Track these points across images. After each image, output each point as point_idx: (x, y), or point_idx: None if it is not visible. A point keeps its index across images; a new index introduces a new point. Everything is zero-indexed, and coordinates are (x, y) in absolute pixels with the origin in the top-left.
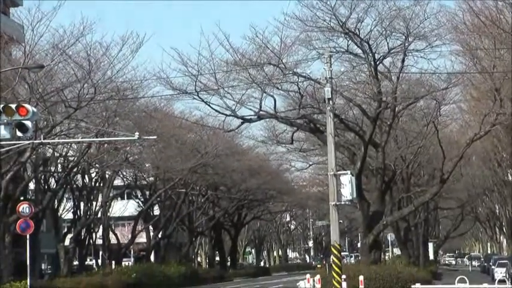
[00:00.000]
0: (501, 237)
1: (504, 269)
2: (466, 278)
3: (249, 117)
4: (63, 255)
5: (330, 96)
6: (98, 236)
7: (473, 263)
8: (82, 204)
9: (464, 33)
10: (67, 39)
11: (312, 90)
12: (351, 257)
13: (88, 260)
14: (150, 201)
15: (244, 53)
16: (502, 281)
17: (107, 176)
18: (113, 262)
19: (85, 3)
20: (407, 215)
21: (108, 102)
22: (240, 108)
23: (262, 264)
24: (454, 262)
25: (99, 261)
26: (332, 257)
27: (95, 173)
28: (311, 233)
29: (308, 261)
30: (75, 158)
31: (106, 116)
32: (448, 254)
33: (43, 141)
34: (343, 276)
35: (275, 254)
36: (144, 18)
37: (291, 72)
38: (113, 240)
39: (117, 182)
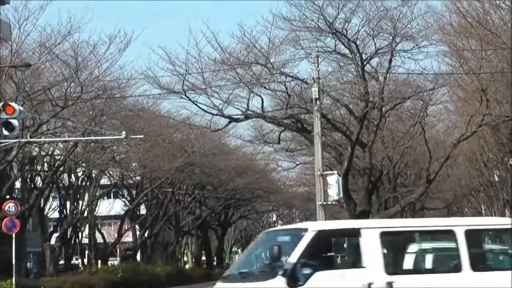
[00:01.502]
0: None
1: None
2: None
3: (236, 116)
4: (49, 254)
5: (317, 96)
6: (84, 235)
7: None
8: (68, 203)
9: (451, 34)
10: (54, 37)
11: (299, 90)
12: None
13: (74, 259)
14: (136, 200)
15: (232, 52)
16: None
17: (93, 175)
18: (99, 261)
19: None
20: (393, 215)
21: (95, 101)
22: (227, 107)
23: None
24: None
25: (85, 260)
26: None
27: (81, 172)
28: None
29: None
30: (62, 157)
31: (93, 115)
32: None
33: (29, 139)
34: None
35: None
36: (131, 16)
37: (278, 71)
38: (99, 240)
39: (104, 181)
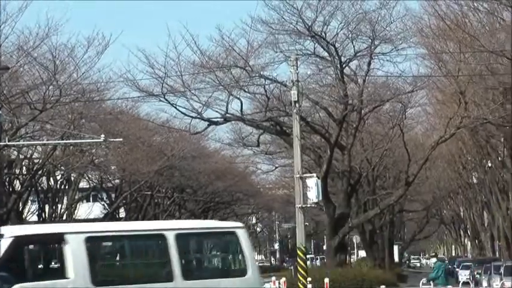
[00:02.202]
0: (465, 240)
1: (468, 271)
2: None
3: (216, 119)
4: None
5: (296, 99)
6: None
7: None
8: (47, 206)
9: (430, 37)
10: (32, 40)
11: (278, 93)
12: (317, 259)
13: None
14: (115, 203)
15: (211, 55)
16: (466, 283)
17: (72, 178)
18: None
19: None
20: (372, 217)
21: (74, 104)
22: (207, 110)
23: None
24: (418, 264)
25: None
26: (298, 259)
27: (60, 176)
28: (277, 235)
29: (274, 263)
30: (40, 160)
31: (72, 118)
32: (412, 257)
33: (8, 143)
34: (309, 279)
35: None
36: (110, 19)
37: (257, 74)
38: None
39: (83, 184)
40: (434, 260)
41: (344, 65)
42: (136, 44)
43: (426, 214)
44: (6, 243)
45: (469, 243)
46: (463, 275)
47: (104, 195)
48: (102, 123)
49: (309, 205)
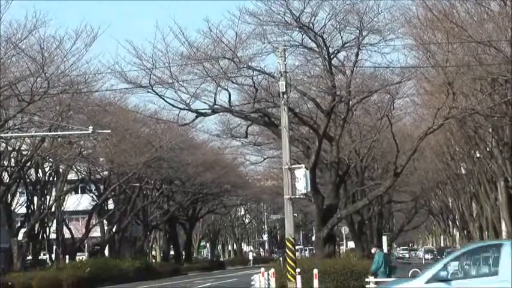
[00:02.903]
0: (454, 230)
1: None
2: (419, 270)
3: (204, 111)
4: (17, 250)
5: (284, 90)
6: (51, 230)
7: (427, 255)
8: (36, 198)
9: (418, 27)
10: (20, 32)
11: (266, 84)
12: (306, 250)
13: (42, 254)
14: (104, 195)
15: (199, 46)
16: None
17: (60, 170)
18: (67, 257)
19: None
20: (361, 208)
21: (62, 96)
22: (195, 101)
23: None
24: (407, 255)
25: (53, 255)
26: (286, 250)
27: (48, 167)
28: (266, 226)
29: (262, 254)
30: (29, 152)
31: (60, 110)
32: (401, 247)
33: None
34: (298, 270)
35: (230, 247)
36: (98, 10)
37: (245, 66)
38: (67, 235)
39: (71, 176)
40: (373, 250)
41: (332, 56)
42: (125, 37)
43: (415, 205)
44: None
45: (458, 233)
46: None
47: (93, 187)
48: (90, 114)
49: (297, 196)
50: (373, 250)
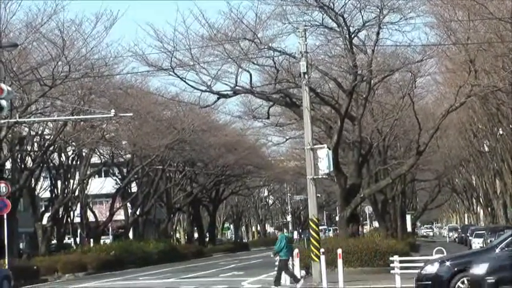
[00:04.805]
0: (478, 208)
1: (481, 239)
2: (443, 249)
3: (225, 92)
4: (41, 234)
5: (306, 71)
6: (75, 214)
7: (451, 234)
8: (59, 182)
9: (438, 5)
10: (40, 17)
11: (287, 65)
12: (329, 230)
13: (66, 238)
14: (127, 178)
15: (219, 28)
16: None
17: (83, 153)
18: (91, 240)
19: None
20: (384, 187)
21: (83, 79)
22: (216, 83)
23: (242, 239)
24: (431, 233)
25: (78, 239)
26: (310, 230)
27: (71, 151)
28: (289, 207)
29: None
30: (51, 137)
31: (81, 94)
32: (425, 226)
33: (18, 120)
34: (322, 250)
35: (253, 229)
36: None
37: (266, 47)
38: (91, 218)
39: (94, 159)
40: (277, 232)
41: (353, 36)
42: (144, 20)
43: (438, 183)
44: None
45: (482, 211)
46: (476, 243)
47: (116, 170)
48: (111, 98)
49: (320, 176)
50: (277, 233)
